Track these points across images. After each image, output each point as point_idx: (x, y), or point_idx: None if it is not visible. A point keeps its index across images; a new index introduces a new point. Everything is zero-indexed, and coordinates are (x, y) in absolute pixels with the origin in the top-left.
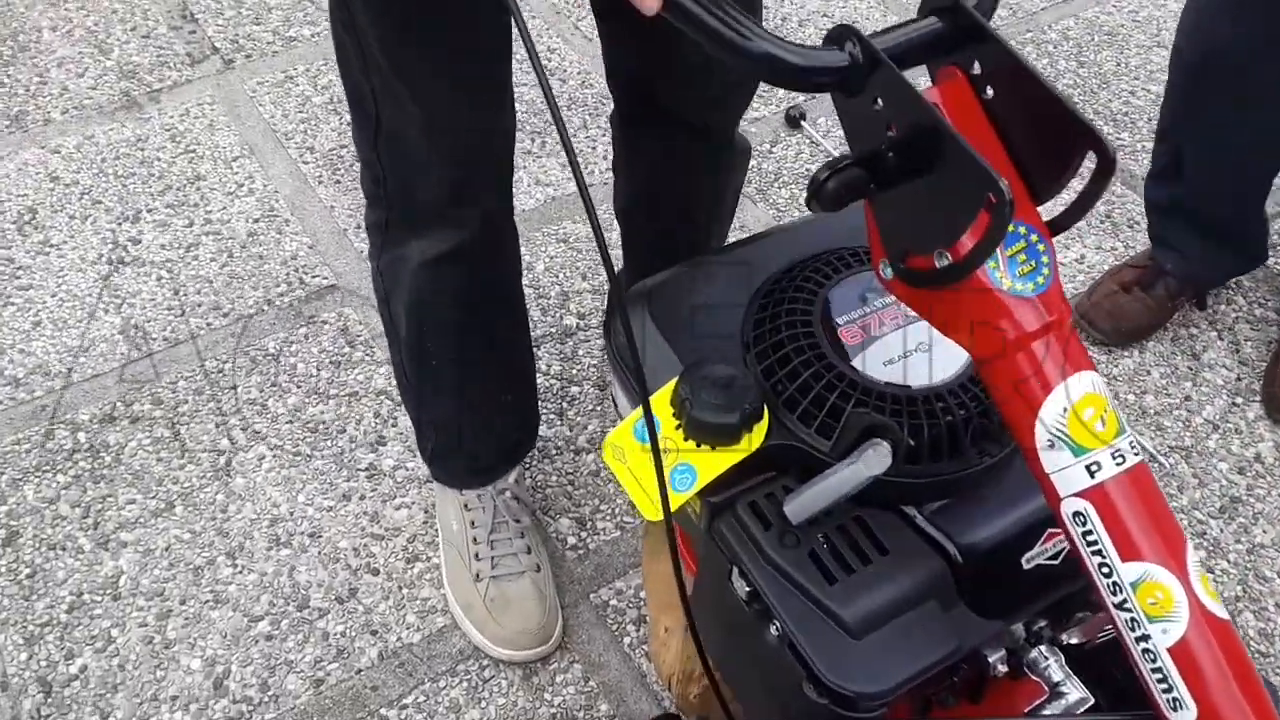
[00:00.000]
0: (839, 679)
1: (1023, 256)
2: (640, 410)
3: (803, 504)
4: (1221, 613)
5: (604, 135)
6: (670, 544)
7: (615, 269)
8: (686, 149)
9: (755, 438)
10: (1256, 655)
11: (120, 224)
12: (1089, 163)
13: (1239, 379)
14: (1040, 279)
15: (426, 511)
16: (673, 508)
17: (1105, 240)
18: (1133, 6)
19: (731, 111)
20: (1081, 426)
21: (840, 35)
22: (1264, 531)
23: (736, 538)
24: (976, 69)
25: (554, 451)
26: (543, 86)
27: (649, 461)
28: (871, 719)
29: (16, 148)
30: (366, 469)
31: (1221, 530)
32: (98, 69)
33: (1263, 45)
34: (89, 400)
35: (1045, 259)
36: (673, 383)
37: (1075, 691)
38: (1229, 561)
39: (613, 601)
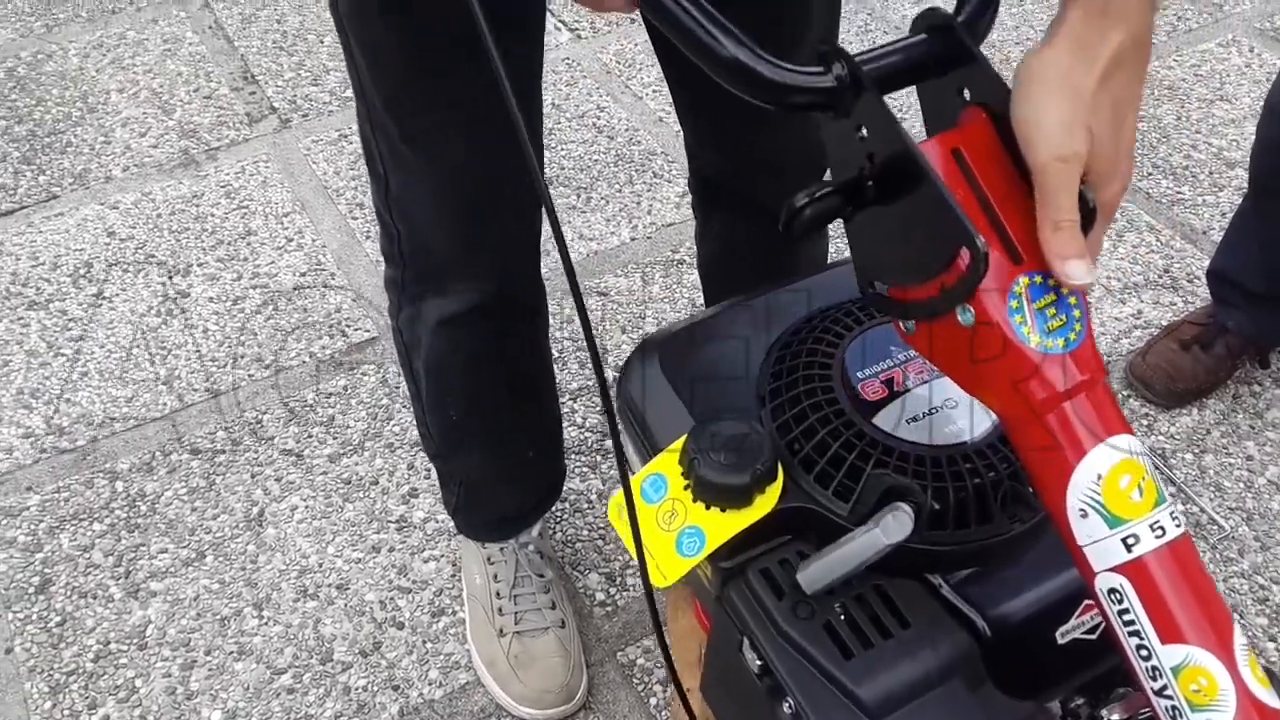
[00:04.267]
0: None
1: (1052, 310)
2: (648, 467)
3: (817, 573)
4: (1273, 701)
5: (649, 191)
6: (648, 592)
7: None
8: (760, 226)
9: (768, 500)
10: None
11: (171, 277)
12: None
13: None
14: (1072, 335)
15: (454, 565)
16: (681, 573)
17: (1164, 295)
18: (1194, 61)
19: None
20: (1117, 495)
21: (828, 55)
22: None
23: (748, 607)
24: (967, 96)
25: (585, 506)
26: (524, 148)
27: (655, 523)
28: None
29: (78, 204)
30: (397, 521)
31: None
32: (160, 128)
33: None
34: (129, 450)
35: (1078, 313)
36: (682, 439)
37: None
38: None
39: (640, 660)
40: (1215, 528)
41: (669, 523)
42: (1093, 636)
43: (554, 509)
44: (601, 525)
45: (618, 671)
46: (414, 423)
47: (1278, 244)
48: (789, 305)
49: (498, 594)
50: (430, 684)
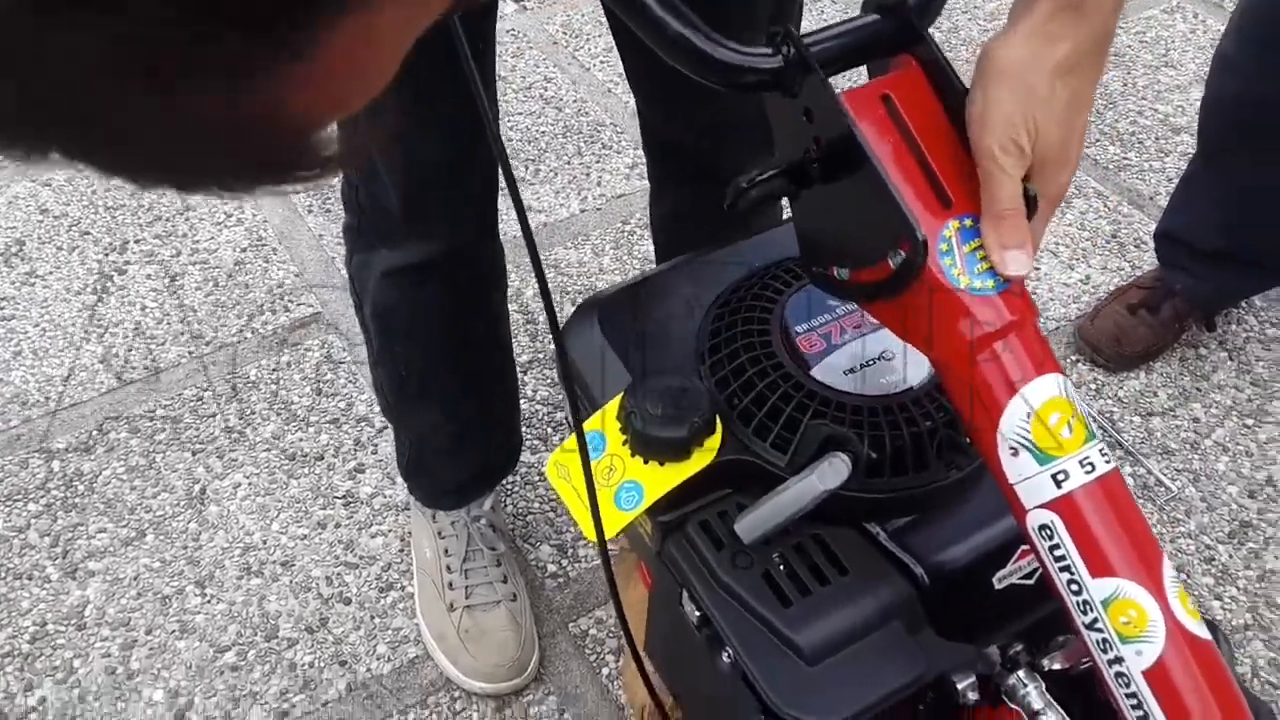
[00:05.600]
0: (791, 708)
1: (982, 253)
2: (587, 424)
3: (754, 521)
4: (1202, 632)
5: (598, 162)
6: (604, 556)
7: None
8: (711, 189)
9: (706, 453)
10: (1266, 686)
11: (107, 255)
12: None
13: (1250, 400)
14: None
15: (403, 540)
16: (620, 527)
17: (1111, 260)
18: (1139, 28)
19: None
20: (1046, 433)
21: (777, 35)
22: (1275, 557)
23: (686, 559)
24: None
25: (537, 479)
26: (485, 118)
27: (595, 479)
28: None
29: (9, 182)
30: (344, 497)
31: (1230, 556)
32: None
33: None
34: (66, 429)
35: None
36: (620, 396)
37: None
38: (1238, 588)
39: (592, 631)
40: (1163, 489)
41: (608, 478)
42: (1030, 582)
43: (505, 482)
44: (554, 497)
45: (570, 643)
46: (360, 397)
47: (1232, 199)
48: (731, 264)
49: (448, 568)
50: (378, 659)
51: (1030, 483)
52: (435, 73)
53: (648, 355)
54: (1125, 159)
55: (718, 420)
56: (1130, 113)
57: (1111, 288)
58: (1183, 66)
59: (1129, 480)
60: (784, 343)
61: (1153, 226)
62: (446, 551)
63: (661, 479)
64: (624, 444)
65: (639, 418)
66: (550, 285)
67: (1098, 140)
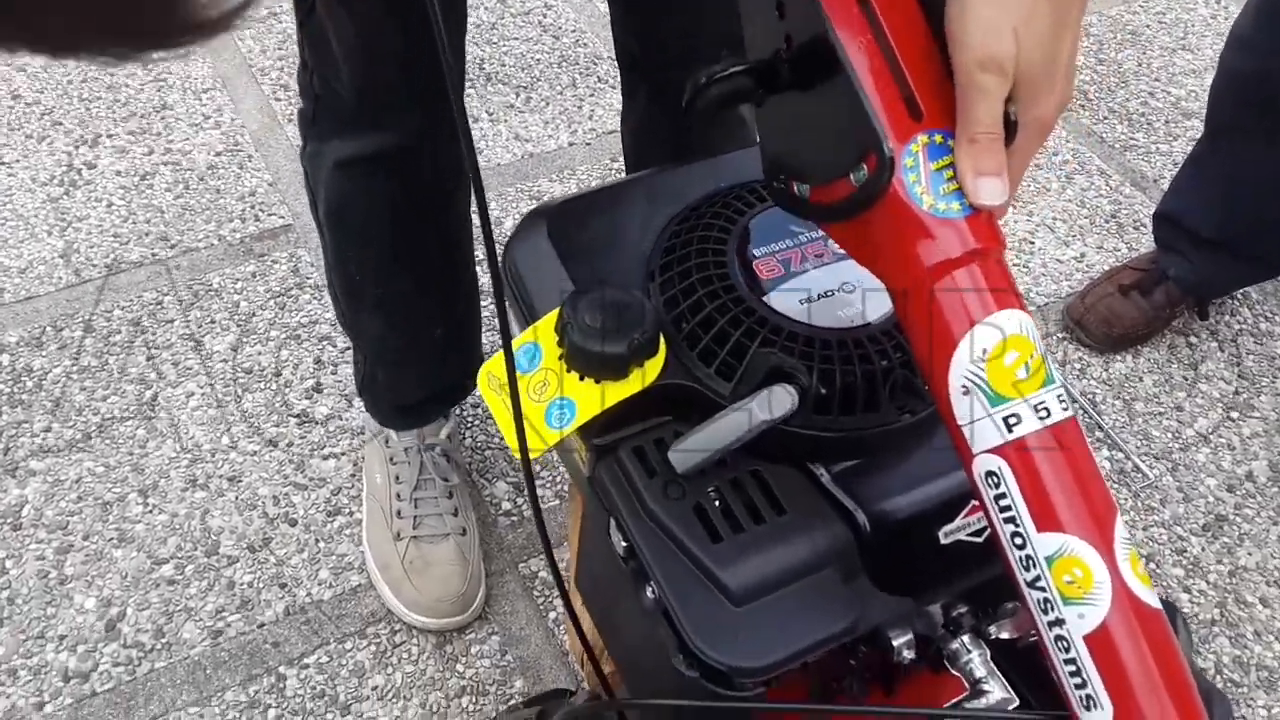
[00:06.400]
0: (712, 650)
1: (950, 173)
2: (523, 335)
3: (689, 449)
4: (1152, 600)
5: (591, 96)
6: (527, 474)
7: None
8: (676, 110)
9: (647, 374)
10: (1228, 684)
11: (78, 147)
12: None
13: (1237, 393)
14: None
15: (356, 465)
16: (548, 445)
17: (1108, 240)
18: (1160, 8)
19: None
20: (1002, 373)
21: None
22: (1249, 554)
23: (616, 485)
24: None
25: None
26: (435, 27)
27: (526, 394)
28: (750, 697)
29: None
30: (298, 415)
31: (1203, 549)
32: None
33: None
34: (19, 322)
35: None
36: (559, 308)
37: (998, 690)
38: (1208, 583)
39: (542, 573)
40: (1139, 475)
41: (540, 393)
42: (979, 540)
43: (464, 414)
44: None
45: (518, 583)
46: (325, 315)
47: (1235, 185)
48: (694, 180)
49: (398, 495)
50: (320, 584)
51: (979, 425)
52: None
53: (594, 268)
54: (1133, 139)
55: (662, 341)
56: (1142, 93)
57: (1106, 268)
58: (1200, 51)
59: (1104, 465)
60: (741, 266)
61: (1154, 209)
62: (397, 479)
63: (596, 398)
64: (560, 358)
65: (576, 330)
66: None
67: (1106, 118)
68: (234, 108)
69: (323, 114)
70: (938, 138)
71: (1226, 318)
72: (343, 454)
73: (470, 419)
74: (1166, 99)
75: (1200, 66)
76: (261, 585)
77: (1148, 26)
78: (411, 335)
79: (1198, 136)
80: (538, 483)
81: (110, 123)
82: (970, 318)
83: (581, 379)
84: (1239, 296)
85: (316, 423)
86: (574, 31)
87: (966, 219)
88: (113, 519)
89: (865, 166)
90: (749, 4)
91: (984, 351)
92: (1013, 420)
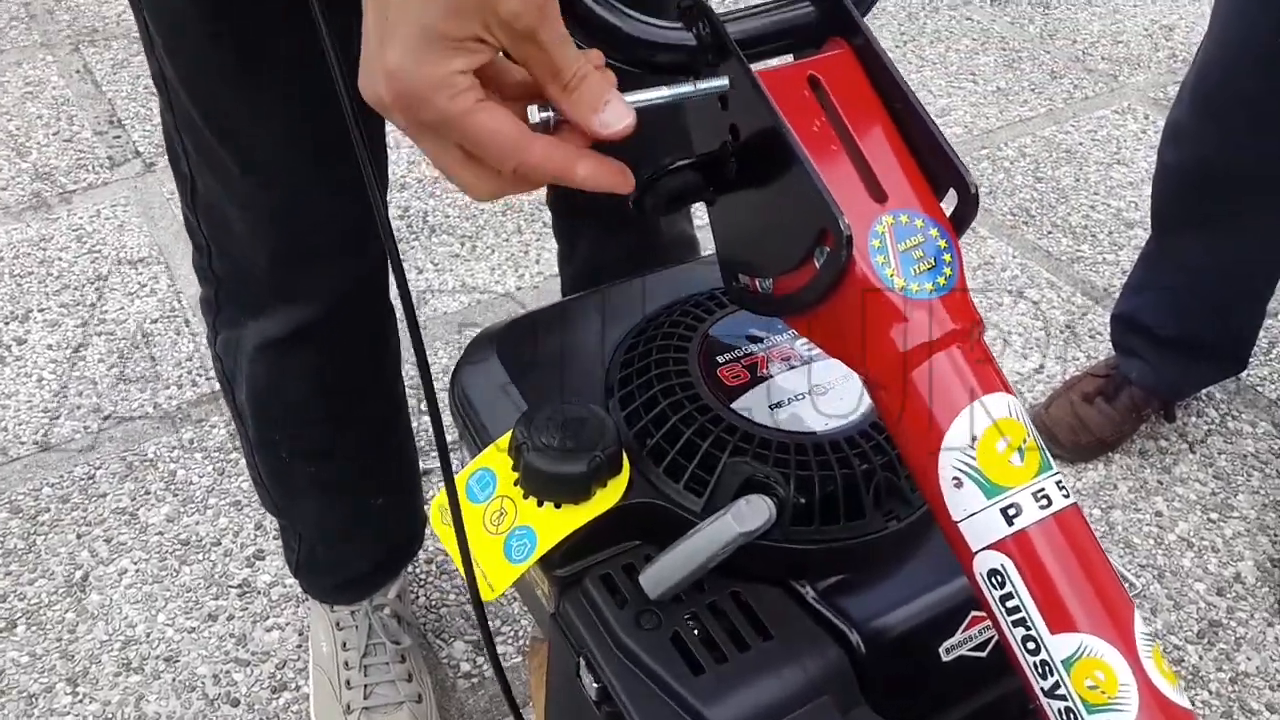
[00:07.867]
0: None
1: (920, 253)
2: (474, 462)
3: (662, 572)
4: (1182, 701)
5: (538, 240)
6: (480, 618)
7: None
8: (625, 243)
9: (610, 494)
10: None
11: (7, 323)
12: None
13: (1214, 494)
14: (941, 279)
15: (301, 634)
16: (509, 582)
17: (1067, 350)
18: (1091, 127)
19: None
20: (994, 460)
21: (691, 12)
22: (1248, 659)
23: (584, 620)
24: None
25: (451, 567)
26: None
27: (481, 525)
28: None
29: None
30: (239, 586)
31: (1201, 657)
32: (12, 170)
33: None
34: None
35: (948, 256)
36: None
37: None
38: (1210, 692)
39: None
40: (1126, 585)
41: (497, 524)
42: (983, 655)
43: (417, 571)
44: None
45: None
46: None
47: (1188, 275)
48: (650, 292)
49: (346, 664)
50: None
51: (977, 519)
52: (311, 79)
53: (548, 385)
54: (1079, 251)
55: (625, 458)
56: (1083, 207)
57: (1066, 378)
58: (1134, 164)
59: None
60: (704, 374)
61: (1107, 318)
62: (345, 645)
63: (557, 523)
64: (515, 483)
65: (531, 450)
66: None
67: (1050, 233)
68: (169, 274)
69: (227, 298)
70: (903, 218)
71: (1194, 419)
72: (287, 624)
73: (422, 575)
74: (1107, 210)
75: (1137, 179)
76: None
77: (1080, 144)
78: (352, 509)
79: (1142, 244)
80: (499, 638)
81: (42, 297)
82: (955, 404)
83: (540, 504)
84: (1204, 397)
85: (259, 592)
86: None
87: (941, 299)
88: (39, 713)
89: (825, 246)
90: (692, 99)
91: (973, 439)
92: (1012, 511)
